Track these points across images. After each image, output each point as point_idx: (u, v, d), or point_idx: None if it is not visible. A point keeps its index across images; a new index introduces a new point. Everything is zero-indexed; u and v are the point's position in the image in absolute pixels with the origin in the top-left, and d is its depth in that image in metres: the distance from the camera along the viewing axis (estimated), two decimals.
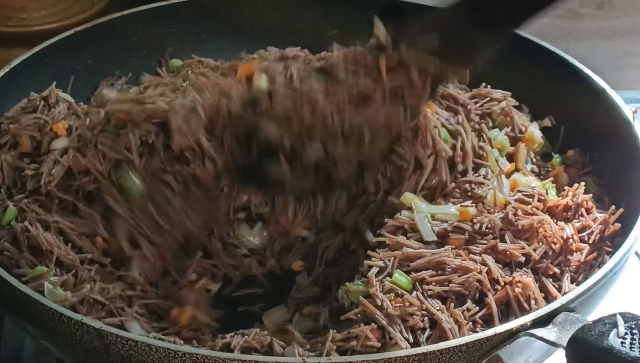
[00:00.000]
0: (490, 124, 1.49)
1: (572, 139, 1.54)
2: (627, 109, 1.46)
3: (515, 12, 1.27)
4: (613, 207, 1.37)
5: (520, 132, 1.51)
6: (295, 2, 1.72)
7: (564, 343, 1.10)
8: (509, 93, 1.53)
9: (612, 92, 1.50)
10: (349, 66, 1.30)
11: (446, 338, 1.18)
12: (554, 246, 1.31)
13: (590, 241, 1.34)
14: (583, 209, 1.38)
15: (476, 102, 1.51)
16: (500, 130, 1.49)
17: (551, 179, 1.47)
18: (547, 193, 1.39)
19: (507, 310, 1.26)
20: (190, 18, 1.68)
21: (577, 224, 1.35)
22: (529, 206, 1.34)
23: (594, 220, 1.36)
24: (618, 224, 1.35)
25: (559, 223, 1.33)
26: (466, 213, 1.33)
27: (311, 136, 1.26)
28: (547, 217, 1.33)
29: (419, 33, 1.30)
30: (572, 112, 1.54)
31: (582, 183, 1.40)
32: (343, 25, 1.64)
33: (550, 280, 1.30)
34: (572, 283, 1.29)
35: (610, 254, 1.30)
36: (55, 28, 1.85)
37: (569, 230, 1.33)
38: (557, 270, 1.31)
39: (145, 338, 1.13)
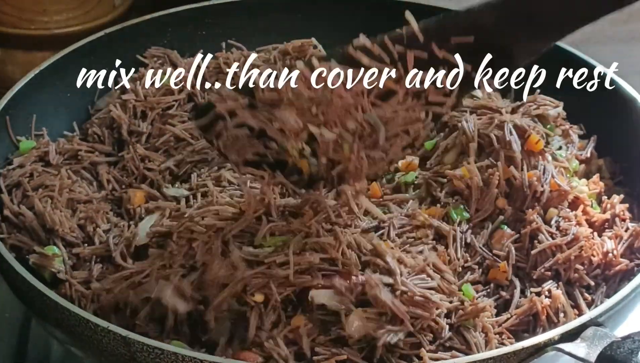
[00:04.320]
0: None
1: (603, 148, 1.52)
2: None
3: (563, 19, 1.19)
4: None
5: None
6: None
7: (592, 360, 1.09)
8: (561, 103, 1.52)
9: None
10: (374, 53, 1.19)
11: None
12: (593, 258, 1.31)
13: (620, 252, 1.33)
14: (618, 219, 1.37)
15: (530, 106, 1.49)
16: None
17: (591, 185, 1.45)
18: (591, 205, 1.39)
19: (535, 321, 1.26)
20: (220, 21, 1.68)
21: (609, 233, 1.35)
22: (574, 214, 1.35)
23: (626, 230, 1.36)
24: None
25: (602, 236, 1.34)
26: None
27: (327, 126, 1.18)
28: (589, 231, 1.33)
29: (452, 31, 1.19)
30: (602, 120, 1.53)
31: (621, 195, 1.40)
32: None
33: (585, 291, 1.30)
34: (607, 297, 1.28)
35: None
36: (77, 31, 1.86)
37: (610, 244, 1.32)
38: (591, 282, 1.30)
39: (171, 346, 1.13)
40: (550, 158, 1.40)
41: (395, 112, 1.19)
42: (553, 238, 1.32)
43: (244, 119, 1.20)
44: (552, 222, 1.34)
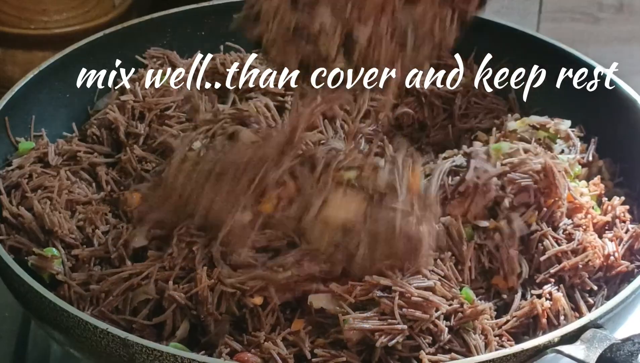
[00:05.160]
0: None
1: (603, 148, 1.51)
2: None
3: None
4: None
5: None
6: None
7: (592, 362, 1.09)
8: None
9: None
10: None
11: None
12: (595, 261, 1.30)
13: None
14: (618, 221, 1.37)
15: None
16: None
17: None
18: (593, 208, 1.38)
19: (535, 324, 1.26)
20: (219, 22, 1.67)
21: (609, 235, 1.35)
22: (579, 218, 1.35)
23: (626, 232, 1.35)
24: None
25: (602, 238, 1.34)
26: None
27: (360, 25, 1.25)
28: (594, 236, 1.33)
29: None
30: (602, 121, 1.53)
31: (622, 197, 1.39)
32: None
33: (586, 294, 1.30)
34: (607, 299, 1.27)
35: None
36: (76, 31, 1.87)
37: (611, 246, 1.32)
38: (594, 286, 1.30)
39: (170, 348, 1.13)
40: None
41: (424, 14, 1.25)
42: (558, 244, 1.31)
43: (287, 16, 1.25)
44: (560, 226, 1.34)
